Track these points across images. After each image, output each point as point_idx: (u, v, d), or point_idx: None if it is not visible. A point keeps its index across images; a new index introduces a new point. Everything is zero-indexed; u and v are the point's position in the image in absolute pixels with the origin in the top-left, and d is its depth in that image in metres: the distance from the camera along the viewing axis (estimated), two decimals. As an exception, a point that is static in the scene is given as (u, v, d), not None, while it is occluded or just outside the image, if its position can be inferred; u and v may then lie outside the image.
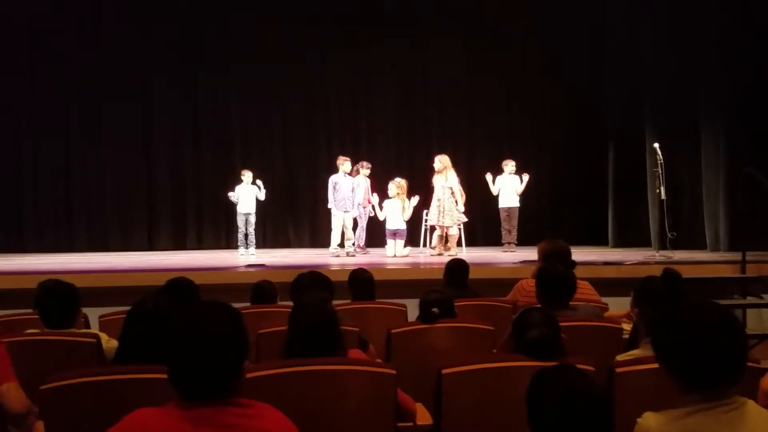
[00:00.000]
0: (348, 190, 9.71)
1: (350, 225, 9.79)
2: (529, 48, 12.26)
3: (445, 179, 9.54)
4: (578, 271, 4.08)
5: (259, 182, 10.11)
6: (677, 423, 1.76)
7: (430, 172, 9.91)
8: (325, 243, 10.10)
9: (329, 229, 9.89)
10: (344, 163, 9.86)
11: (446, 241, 9.64)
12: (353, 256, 9.56)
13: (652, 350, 1.90)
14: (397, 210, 9.54)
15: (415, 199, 9.66)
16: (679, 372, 1.79)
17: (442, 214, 9.48)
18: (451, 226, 9.53)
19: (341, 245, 9.74)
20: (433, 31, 12.19)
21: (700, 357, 1.75)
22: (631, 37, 10.78)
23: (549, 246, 4.43)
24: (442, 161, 9.64)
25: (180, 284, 3.71)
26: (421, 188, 10.23)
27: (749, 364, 2.08)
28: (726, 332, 1.78)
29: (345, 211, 9.67)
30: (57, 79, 11.68)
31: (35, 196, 11.79)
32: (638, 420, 1.83)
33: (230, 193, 10.11)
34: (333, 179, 9.77)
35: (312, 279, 3.89)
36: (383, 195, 9.85)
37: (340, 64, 12.32)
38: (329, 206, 9.81)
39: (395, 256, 9.34)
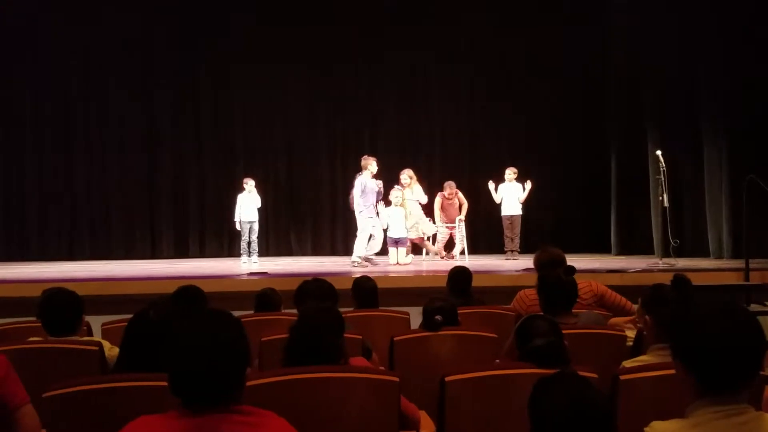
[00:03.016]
0: (374, 192, 9.10)
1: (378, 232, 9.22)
2: (530, 55, 12.26)
3: (411, 192, 9.73)
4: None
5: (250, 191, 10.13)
6: None
7: (430, 179, 9.93)
8: (324, 251, 9.99)
9: (331, 237, 9.72)
10: (372, 163, 9.07)
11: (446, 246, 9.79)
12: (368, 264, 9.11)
13: (671, 348, 1.84)
14: (398, 218, 9.53)
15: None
16: (697, 370, 1.73)
17: (415, 227, 9.67)
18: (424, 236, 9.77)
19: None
20: (436, 40, 12.19)
21: (722, 355, 1.70)
22: (633, 44, 10.79)
23: (543, 255, 4.43)
24: (409, 175, 9.80)
25: (189, 292, 3.77)
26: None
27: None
28: (749, 333, 1.73)
29: (369, 217, 9.12)
30: (58, 84, 11.70)
31: (38, 204, 11.79)
32: (645, 429, 1.78)
33: (236, 219, 10.10)
34: (361, 181, 8.99)
35: (316, 287, 3.88)
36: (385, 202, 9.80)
37: (342, 72, 12.34)
38: (355, 207, 9.05)
39: (398, 263, 9.33)
